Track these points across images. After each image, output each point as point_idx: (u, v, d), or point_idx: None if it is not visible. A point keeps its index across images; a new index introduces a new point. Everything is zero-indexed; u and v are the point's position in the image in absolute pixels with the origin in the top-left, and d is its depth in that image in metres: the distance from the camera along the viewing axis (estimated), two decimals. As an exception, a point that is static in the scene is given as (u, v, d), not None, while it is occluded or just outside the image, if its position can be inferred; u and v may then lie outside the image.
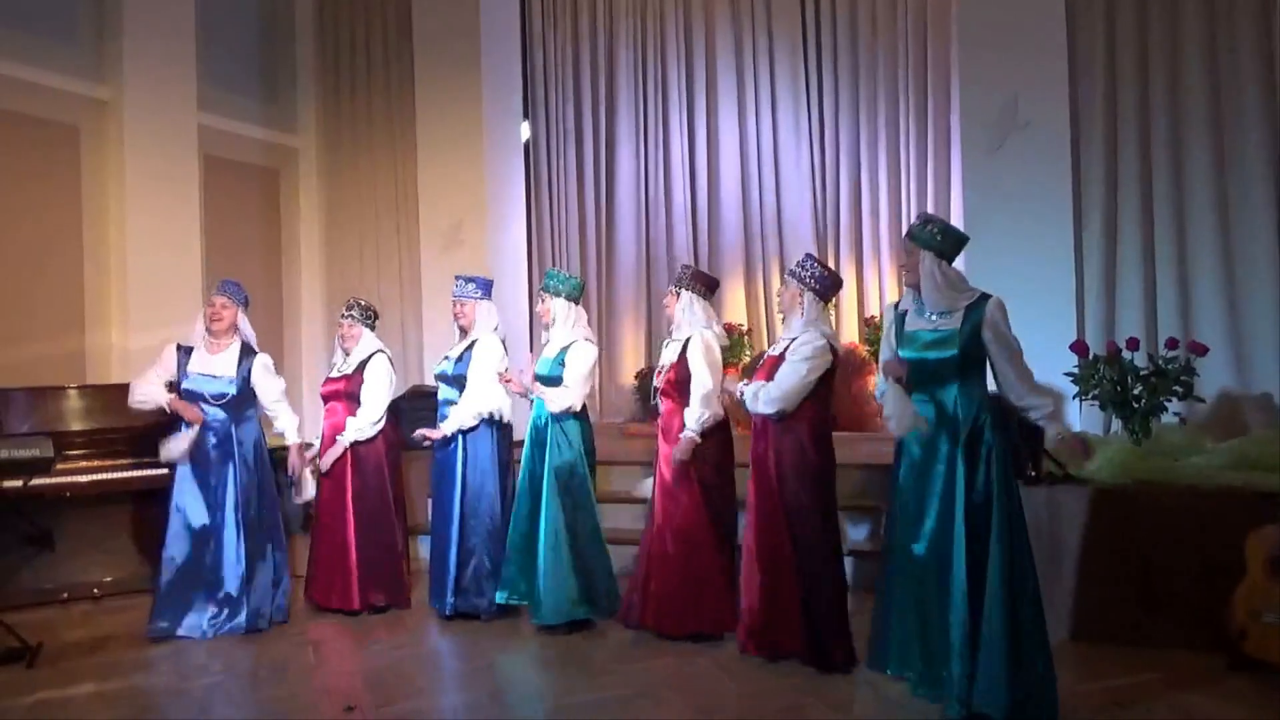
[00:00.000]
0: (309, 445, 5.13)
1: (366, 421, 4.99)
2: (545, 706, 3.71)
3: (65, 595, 5.22)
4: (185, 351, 4.80)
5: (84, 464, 5.27)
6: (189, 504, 4.71)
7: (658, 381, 4.50)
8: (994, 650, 3.18)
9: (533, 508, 4.57)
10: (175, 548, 4.67)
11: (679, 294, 4.49)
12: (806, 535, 3.87)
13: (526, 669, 4.11)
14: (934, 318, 3.37)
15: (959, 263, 3.51)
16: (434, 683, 4.03)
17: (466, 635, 4.58)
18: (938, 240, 3.38)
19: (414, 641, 4.56)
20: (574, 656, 4.20)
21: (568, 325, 4.68)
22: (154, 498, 5.41)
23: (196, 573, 4.66)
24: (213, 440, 4.74)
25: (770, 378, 3.93)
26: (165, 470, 5.19)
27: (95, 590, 5.31)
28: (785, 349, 3.97)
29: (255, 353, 4.89)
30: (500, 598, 4.65)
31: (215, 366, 4.76)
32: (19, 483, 4.62)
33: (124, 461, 5.35)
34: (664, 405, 4.48)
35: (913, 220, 3.55)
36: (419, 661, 4.31)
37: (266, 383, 4.85)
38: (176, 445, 4.68)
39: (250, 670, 4.18)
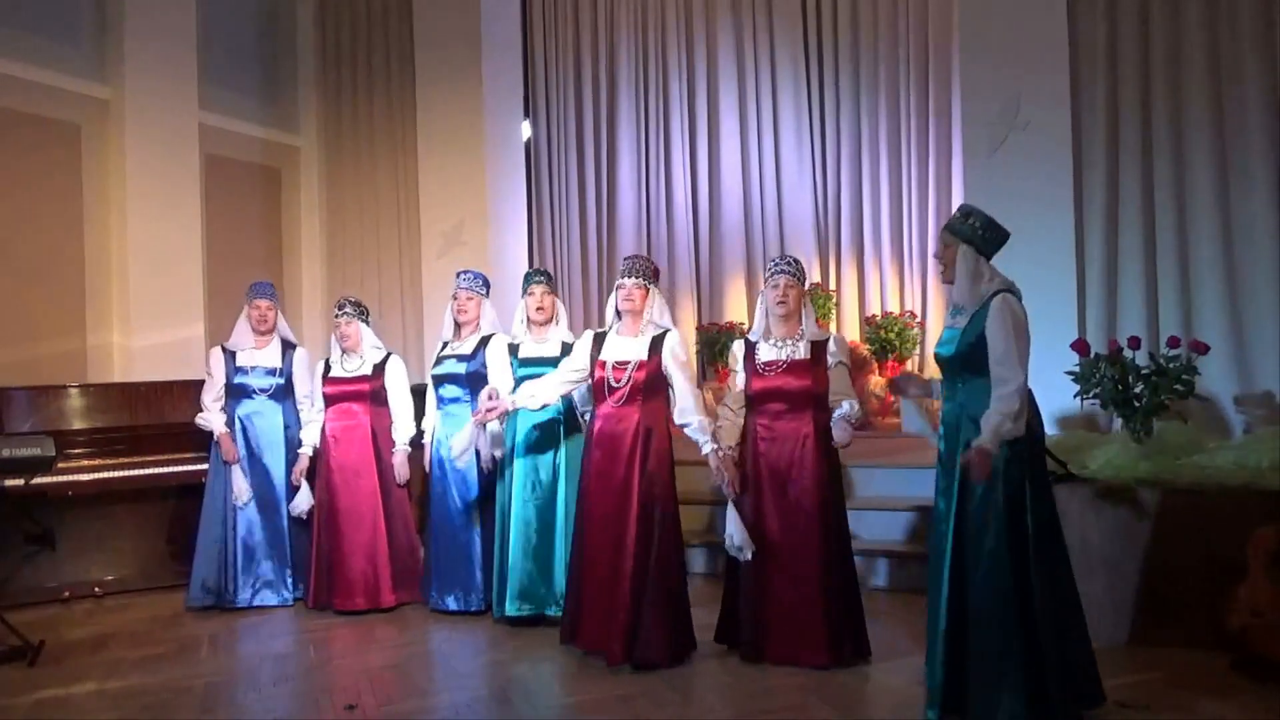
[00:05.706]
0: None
1: (411, 423, 5.11)
2: (547, 706, 3.70)
3: (67, 594, 5.23)
4: (230, 354, 5.23)
5: (85, 463, 5.28)
6: (233, 489, 5.09)
7: (614, 378, 4.04)
8: (948, 653, 3.19)
9: (549, 516, 4.58)
10: (213, 530, 5.08)
11: (648, 289, 4.15)
12: (836, 529, 3.90)
13: (529, 668, 4.10)
14: (956, 315, 3.34)
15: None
16: (435, 682, 4.02)
17: (468, 634, 4.58)
18: (979, 234, 3.27)
19: (415, 640, 4.55)
20: (576, 656, 4.18)
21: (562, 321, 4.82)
22: (156, 496, 5.44)
23: (248, 548, 5.09)
24: (260, 429, 5.16)
25: (803, 379, 3.91)
26: (167, 469, 5.30)
27: (97, 589, 5.31)
28: (818, 353, 3.94)
29: (295, 346, 5.38)
30: (526, 610, 4.54)
31: (261, 359, 5.23)
32: (20, 481, 4.63)
33: (125, 460, 5.36)
34: (617, 408, 4.03)
35: (952, 214, 3.44)
36: (420, 660, 4.30)
37: (302, 376, 5.28)
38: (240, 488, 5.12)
39: (251, 669, 4.19)
